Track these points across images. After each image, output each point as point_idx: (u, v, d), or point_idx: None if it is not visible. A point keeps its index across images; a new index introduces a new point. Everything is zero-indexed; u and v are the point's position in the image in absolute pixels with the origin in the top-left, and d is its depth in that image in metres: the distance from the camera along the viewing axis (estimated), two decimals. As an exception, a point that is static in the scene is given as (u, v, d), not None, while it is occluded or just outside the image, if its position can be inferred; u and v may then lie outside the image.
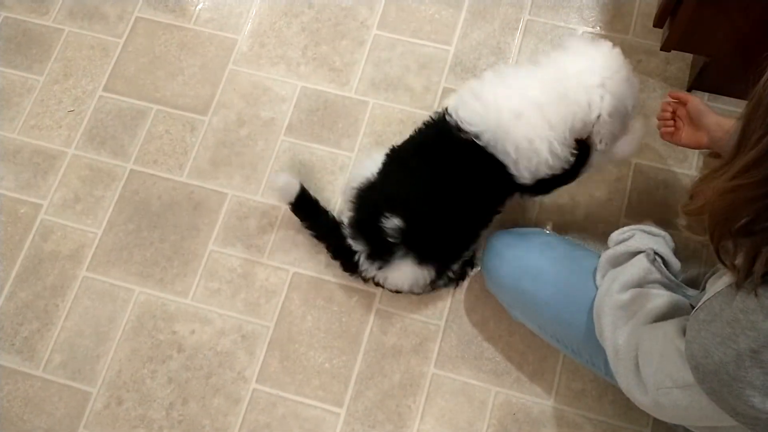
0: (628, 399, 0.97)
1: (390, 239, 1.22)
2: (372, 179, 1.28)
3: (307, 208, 1.39)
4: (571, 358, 1.26)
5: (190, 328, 1.42)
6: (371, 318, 1.41)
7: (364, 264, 1.28)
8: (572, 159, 1.20)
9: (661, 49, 1.36)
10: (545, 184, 1.24)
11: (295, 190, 1.38)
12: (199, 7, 1.71)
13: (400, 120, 1.56)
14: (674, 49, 1.36)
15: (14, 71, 1.67)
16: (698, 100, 1.19)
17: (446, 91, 1.57)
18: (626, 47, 1.57)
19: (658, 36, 1.48)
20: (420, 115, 1.55)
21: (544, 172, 1.19)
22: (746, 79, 0.69)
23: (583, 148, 1.21)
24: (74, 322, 1.44)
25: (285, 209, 1.49)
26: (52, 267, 1.49)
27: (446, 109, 1.22)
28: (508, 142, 1.15)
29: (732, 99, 1.49)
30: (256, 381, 1.38)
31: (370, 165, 1.31)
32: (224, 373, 1.38)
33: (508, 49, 1.61)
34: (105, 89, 1.64)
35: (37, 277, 1.48)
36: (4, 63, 1.68)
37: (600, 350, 1.04)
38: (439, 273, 1.30)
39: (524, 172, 1.18)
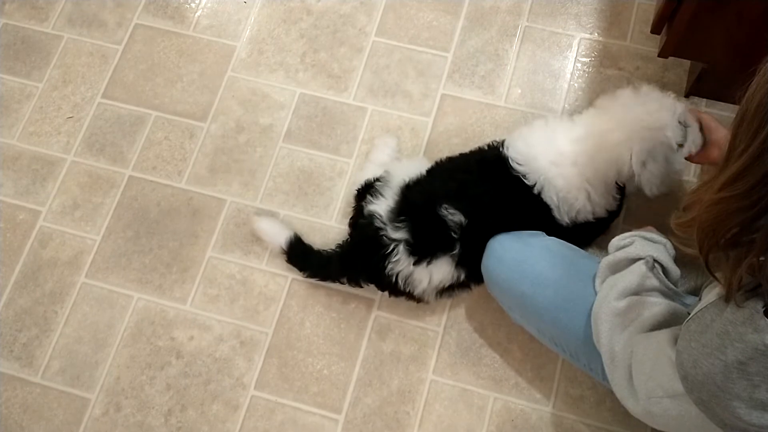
0: (626, 406, 0.97)
1: (452, 233, 1.24)
2: (422, 177, 1.33)
3: (303, 257, 1.41)
4: (570, 362, 1.26)
5: (188, 335, 1.42)
6: (370, 324, 1.41)
7: (398, 255, 1.25)
8: (617, 202, 1.30)
9: (658, 56, 1.37)
10: (588, 230, 1.32)
11: (284, 237, 1.40)
12: (198, 13, 1.71)
13: (399, 126, 1.56)
14: (672, 56, 1.37)
15: (13, 78, 1.67)
16: (708, 117, 1.20)
17: (444, 98, 1.58)
18: (624, 54, 1.58)
19: (655, 42, 1.49)
20: (418, 121, 1.56)
21: (585, 217, 1.28)
22: (744, 85, 0.69)
23: (622, 193, 1.30)
24: (73, 329, 1.44)
25: (283, 215, 1.50)
26: (51, 273, 1.49)
27: (503, 142, 1.30)
28: (550, 188, 1.24)
29: (730, 105, 1.50)
30: (255, 387, 1.38)
31: (410, 167, 1.36)
32: (223, 379, 1.38)
33: (506, 55, 1.61)
34: (104, 96, 1.64)
35: (36, 283, 1.48)
36: (3, 70, 1.68)
37: (598, 355, 1.04)
38: (467, 278, 1.30)
39: (565, 216, 1.27)
